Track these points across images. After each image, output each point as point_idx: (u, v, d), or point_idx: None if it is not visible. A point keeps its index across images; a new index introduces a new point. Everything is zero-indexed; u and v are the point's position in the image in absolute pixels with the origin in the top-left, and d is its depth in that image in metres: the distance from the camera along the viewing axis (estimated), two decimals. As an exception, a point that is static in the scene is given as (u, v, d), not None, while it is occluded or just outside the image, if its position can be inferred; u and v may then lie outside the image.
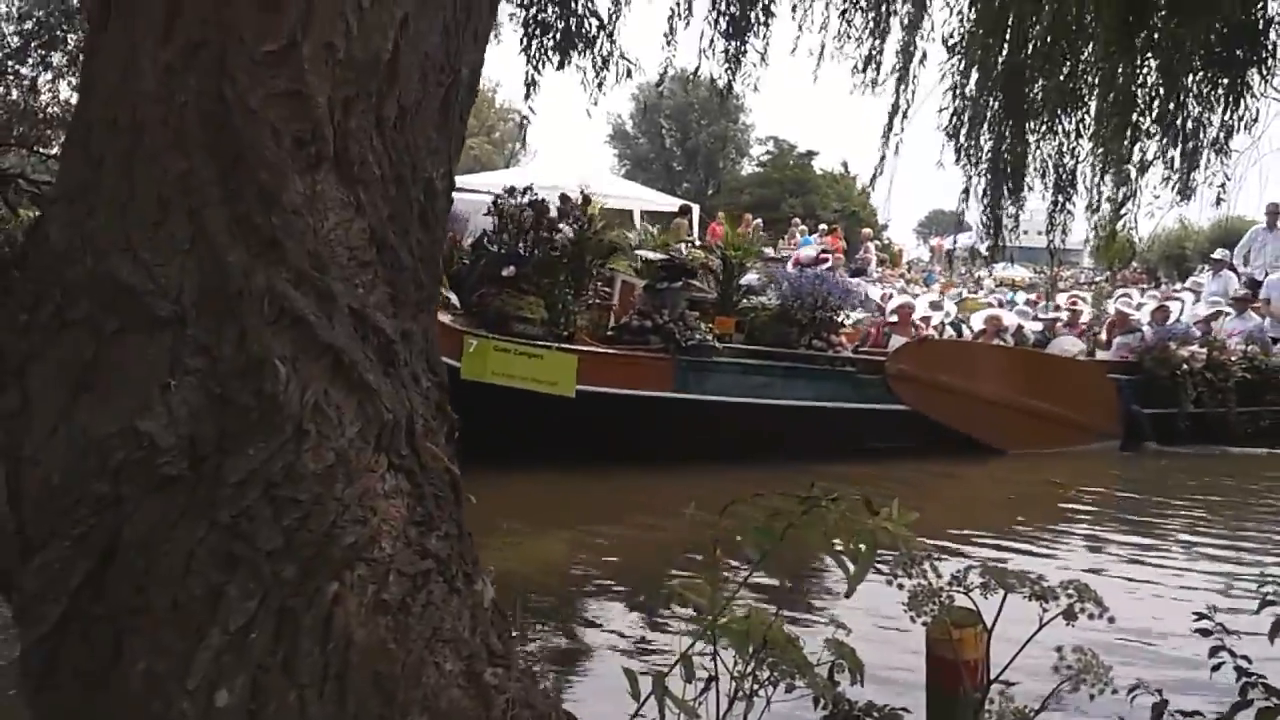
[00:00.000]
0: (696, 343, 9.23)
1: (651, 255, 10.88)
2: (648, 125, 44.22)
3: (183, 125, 1.65)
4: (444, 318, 8.15)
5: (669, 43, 7.26)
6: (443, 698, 1.63)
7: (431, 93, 1.81)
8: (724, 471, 8.43)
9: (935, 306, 12.89)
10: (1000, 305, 14.00)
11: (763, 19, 7.10)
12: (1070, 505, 8.95)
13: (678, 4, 7.05)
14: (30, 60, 14.69)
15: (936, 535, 7.18)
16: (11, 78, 14.85)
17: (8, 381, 1.68)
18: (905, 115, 6.85)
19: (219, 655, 1.53)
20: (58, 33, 14.48)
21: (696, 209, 18.93)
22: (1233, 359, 12.01)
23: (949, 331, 12.28)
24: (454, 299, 8.50)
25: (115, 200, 1.67)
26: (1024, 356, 11.80)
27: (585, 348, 8.76)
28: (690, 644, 1.70)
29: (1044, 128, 6.90)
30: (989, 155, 6.87)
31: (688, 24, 6.97)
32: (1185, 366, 11.65)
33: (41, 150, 15.82)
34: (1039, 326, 12.90)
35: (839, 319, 10.55)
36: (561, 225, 9.01)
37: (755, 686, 1.78)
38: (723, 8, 6.74)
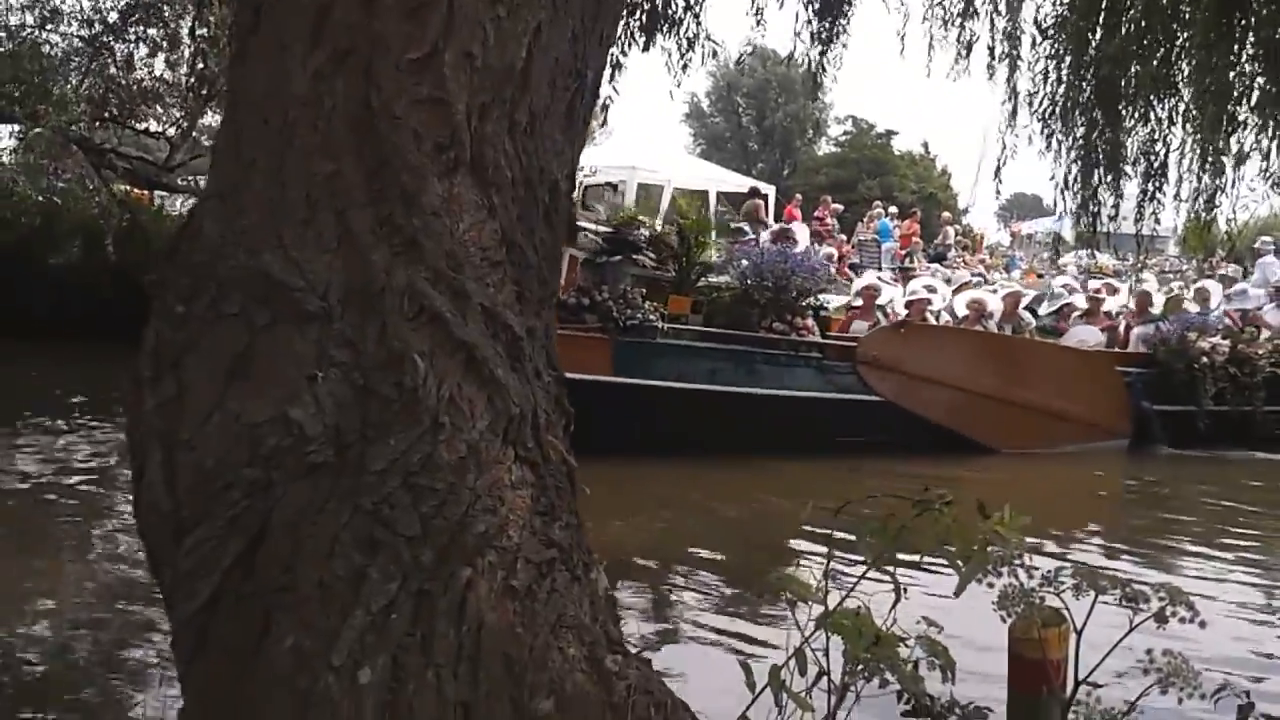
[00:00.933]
0: (637, 323, 8.37)
1: (595, 228, 9.91)
2: (723, 104, 43.93)
3: (331, 129, 1.74)
4: None
5: (759, 23, 7.26)
6: (567, 681, 1.71)
7: (559, 97, 1.87)
8: (671, 464, 7.89)
9: (930, 290, 11.96)
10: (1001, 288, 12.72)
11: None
12: (1080, 511, 8.20)
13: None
14: (128, 36, 15.11)
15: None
16: (107, 53, 15.29)
17: (164, 370, 1.79)
18: (1028, 103, 6.74)
19: (362, 634, 1.62)
20: (156, 8, 14.87)
21: (772, 190, 18.85)
22: (1260, 352, 10.79)
23: (945, 318, 11.23)
24: None
25: (266, 199, 1.76)
26: (1017, 345, 10.69)
27: None
28: (806, 636, 1.76)
29: (1137, 114, 6.78)
30: (1080, 141, 6.78)
31: (782, 4, 6.96)
32: (1205, 359, 10.54)
33: (134, 125, 16.30)
34: (1050, 310, 11.81)
35: (809, 301, 9.64)
36: None
37: (848, 680, 1.84)
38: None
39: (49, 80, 14.42)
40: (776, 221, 18.45)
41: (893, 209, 20.94)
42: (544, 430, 1.85)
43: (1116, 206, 6.69)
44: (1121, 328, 11.92)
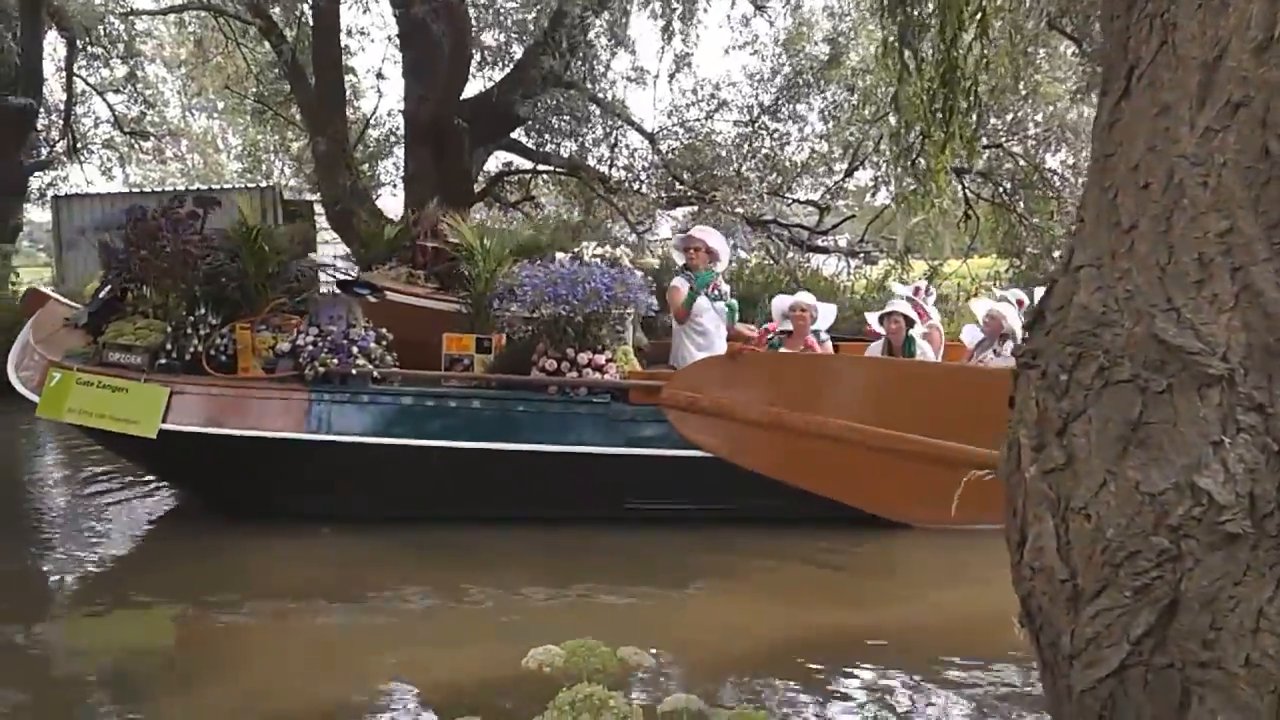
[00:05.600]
0: (336, 370, 7.16)
1: (340, 264, 8.83)
2: None
3: (1222, 185, 1.67)
4: (47, 351, 7.49)
5: None
6: None
7: None
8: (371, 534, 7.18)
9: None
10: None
11: None
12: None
13: None
14: (780, 116, 16.63)
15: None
16: (765, 133, 16.95)
17: (1049, 438, 1.84)
18: None
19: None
20: (801, 90, 16.21)
21: None
22: None
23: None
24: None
25: (1151, 263, 1.74)
26: (912, 371, 7.38)
27: (189, 379, 7.18)
28: None
29: None
30: None
31: None
32: None
33: (786, 195, 17.80)
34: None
35: (606, 331, 7.44)
36: (193, 233, 7.41)
37: None
38: None
39: (719, 164, 16.34)
40: None
41: None
42: None
43: None
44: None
